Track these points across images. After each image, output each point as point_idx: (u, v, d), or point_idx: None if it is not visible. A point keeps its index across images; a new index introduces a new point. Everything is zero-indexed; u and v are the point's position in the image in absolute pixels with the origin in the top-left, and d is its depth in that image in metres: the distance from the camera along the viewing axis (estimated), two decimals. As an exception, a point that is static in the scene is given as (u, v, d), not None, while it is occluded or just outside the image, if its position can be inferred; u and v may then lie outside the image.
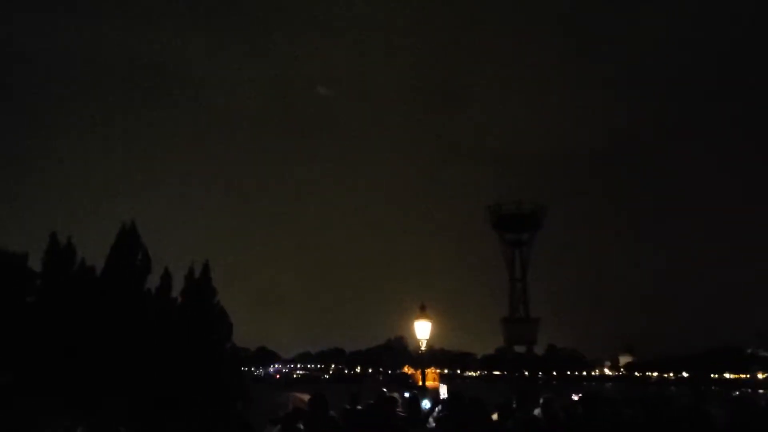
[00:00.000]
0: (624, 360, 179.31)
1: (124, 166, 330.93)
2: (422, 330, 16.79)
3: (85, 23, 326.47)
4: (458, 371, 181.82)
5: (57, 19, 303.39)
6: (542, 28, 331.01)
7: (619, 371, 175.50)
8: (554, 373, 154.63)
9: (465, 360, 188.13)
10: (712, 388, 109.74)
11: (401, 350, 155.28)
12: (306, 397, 8.82)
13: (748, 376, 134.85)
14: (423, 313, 16.82)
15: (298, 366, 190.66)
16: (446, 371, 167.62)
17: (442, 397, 11.43)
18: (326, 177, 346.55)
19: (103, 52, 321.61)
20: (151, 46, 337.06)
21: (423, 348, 17.28)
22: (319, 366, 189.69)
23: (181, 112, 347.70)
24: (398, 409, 9.92)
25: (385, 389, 9.19)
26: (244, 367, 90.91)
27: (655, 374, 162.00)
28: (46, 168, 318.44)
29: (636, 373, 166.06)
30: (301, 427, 7.63)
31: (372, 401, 9.02)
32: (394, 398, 9.82)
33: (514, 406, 8.32)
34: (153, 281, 25.44)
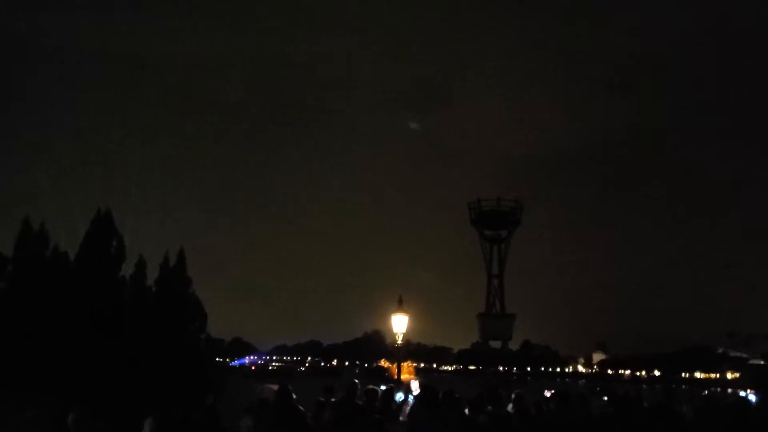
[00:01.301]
0: (597, 357, 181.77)
1: (98, 152, 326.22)
2: (399, 324, 16.81)
3: (62, 11, 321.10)
4: (434, 365, 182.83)
5: (33, 9, 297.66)
6: (536, 25, 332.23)
7: (592, 368, 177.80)
8: (528, 369, 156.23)
9: (441, 354, 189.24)
10: (683, 386, 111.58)
11: (378, 344, 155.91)
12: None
13: (718, 375, 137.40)
14: (400, 307, 16.85)
15: (274, 358, 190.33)
16: (422, 365, 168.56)
17: (414, 392, 11.40)
18: (304, 169, 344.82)
19: (82, 41, 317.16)
20: (132, 35, 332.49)
21: (399, 342, 17.33)
22: (295, 358, 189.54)
23: (157, 100, 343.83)
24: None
25: (356, 380, 9.17)
26: (219, 358, 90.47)
27: (628, 372, 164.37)
28: (19, 152, 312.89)
29: (609, 371, 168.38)
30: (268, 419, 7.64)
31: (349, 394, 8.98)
32: (375, 390, 9.83)
33: (486, 400, 8.35)
34: (128, 269, 25.19)
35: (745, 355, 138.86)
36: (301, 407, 8.09)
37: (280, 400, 7.80)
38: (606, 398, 8.99)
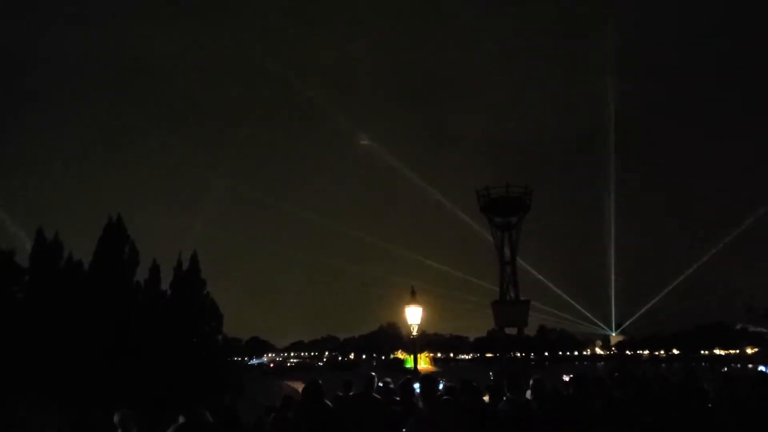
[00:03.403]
0: (615, 339, 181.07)
1: (109, 160, 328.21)
2: (413, 315, 16.81)
3: (63, 20, 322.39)
4: (451, 354, 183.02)
5: (35, 19, 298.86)
6: (531, 12, 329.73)
7: (610, 350, 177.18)
8: (546, 354, 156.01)
9: (458, 343, 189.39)
10: (703, 364, 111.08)
11: (394, 336, 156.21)
12: (297, 385, 8.82)
13: (738, 351, 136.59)
14: (414, 298, 16.85)
15: (292, 354, 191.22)
16: (439, 355, 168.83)
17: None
18: (314, 164, 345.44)
19: (83, 48, 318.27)
20: (131, 41, 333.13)
21: (414, 333, 17.32)
22: (312, 354, 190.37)
23: (165, 103, 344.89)
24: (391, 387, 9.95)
25: (373, 374, 9.17)
26: (237, 358, 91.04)
27: (646, 352, 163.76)
28: (31, 163, 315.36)
29: (627, 352, 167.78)
30: (291, 415, 7.64)
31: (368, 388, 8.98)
32: (391, 382, 9.84)
33: (505, 387, 8.33)
34: (142, 274, 25.37)
35: (764, 330, 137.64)
36: (329, 403, 8.08)
37: (309, 397, 7.79)
38: (623, 381, 8.91)
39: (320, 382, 7.96)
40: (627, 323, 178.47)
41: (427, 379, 6.94)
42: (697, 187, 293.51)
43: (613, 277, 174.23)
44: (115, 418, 7.54)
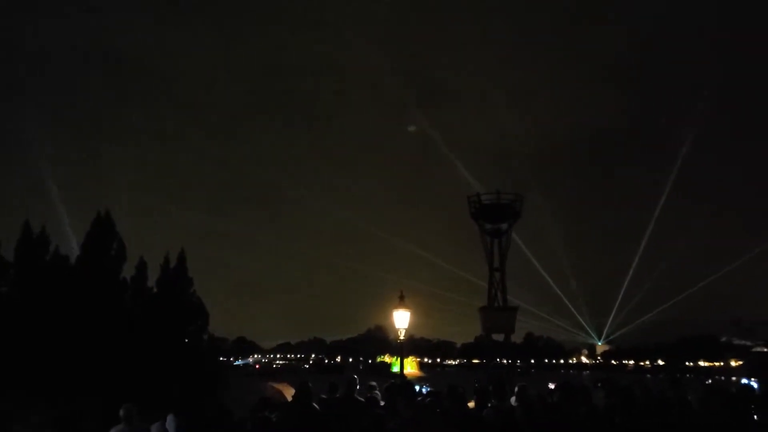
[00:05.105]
0: (601, 348, 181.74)
1: (98, 156, 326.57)
2: (401, 320, 16.80)
3: (61, 16, 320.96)
4: (438, 360, 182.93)
5: (34, 18, 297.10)
6: (531, 14, 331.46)
7: (596, 359, 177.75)
8: (532, 361, 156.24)
9: (445, 349, 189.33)
10: (687, 375, 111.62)
11: (381, 339, 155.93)
12: (282, 386, 8.79)
13: (722, 364, 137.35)
14: (402, 302, 16.83)
15: (278, 356, 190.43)
16: (426, 360, 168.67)
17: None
18: (305, 168, 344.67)
19: (79, 46, 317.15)
20: (130, 41, 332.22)
21: (401, 337, 17.31)
22: (299, 356, 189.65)
23: (156, 103, 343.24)
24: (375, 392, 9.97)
25: (356, 377, 9.16)
26: (223, 358, 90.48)
27: (632, 362, 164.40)
28: (19, 157, 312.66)
29: (612, 361, 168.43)
30: (272, 416, 7.63)
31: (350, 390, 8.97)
32: (375, 386, 9.84)
33: (491, 394, 8.33)
34: (128, 271, 25.23)
35: (749, 343, 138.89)
36: (317, 406, 8.06)
37: (299, 398, 7.77)
38: (606, 390, 8.93)
39: (310, 384, 7.95)
40: (615, 334, 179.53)
41: (406, 386, 6.97)
42: (695, 197, 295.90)
43: (625, 284, 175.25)
44: (121, 412, 7.63)
